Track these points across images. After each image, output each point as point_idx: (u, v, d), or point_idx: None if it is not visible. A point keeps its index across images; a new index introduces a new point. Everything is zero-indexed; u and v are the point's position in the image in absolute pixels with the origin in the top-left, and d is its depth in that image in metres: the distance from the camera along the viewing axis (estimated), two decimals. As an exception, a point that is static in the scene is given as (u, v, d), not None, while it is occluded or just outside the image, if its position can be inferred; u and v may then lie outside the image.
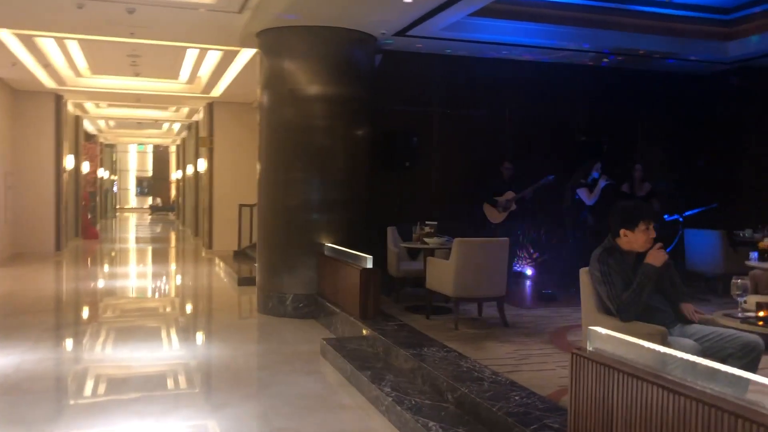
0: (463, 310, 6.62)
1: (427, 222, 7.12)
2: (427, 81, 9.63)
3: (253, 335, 7.52)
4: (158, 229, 25.91)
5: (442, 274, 6.28)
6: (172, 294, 10.78)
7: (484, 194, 9.20)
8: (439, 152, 9.66)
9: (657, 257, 3.55)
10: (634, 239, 3.67)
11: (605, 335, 3.19)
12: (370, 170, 8.41)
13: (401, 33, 8.32)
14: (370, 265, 6.50)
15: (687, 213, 8.17)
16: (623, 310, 3.47)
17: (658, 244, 3.63)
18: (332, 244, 7.92)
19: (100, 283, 11.35)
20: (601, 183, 8.25)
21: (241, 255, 13.74)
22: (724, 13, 9.05)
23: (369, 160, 8.39)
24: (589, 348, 3.26)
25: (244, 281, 10.70)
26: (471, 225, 9.00)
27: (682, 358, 2.92)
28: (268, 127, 8.38)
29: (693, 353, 3.11)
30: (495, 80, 9.86)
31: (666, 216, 8.38)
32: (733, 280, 3.52)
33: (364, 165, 8.29)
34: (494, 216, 9.13)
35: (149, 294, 10.65)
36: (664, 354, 2.98)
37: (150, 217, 34.38)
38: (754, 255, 5.63)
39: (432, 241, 6.86)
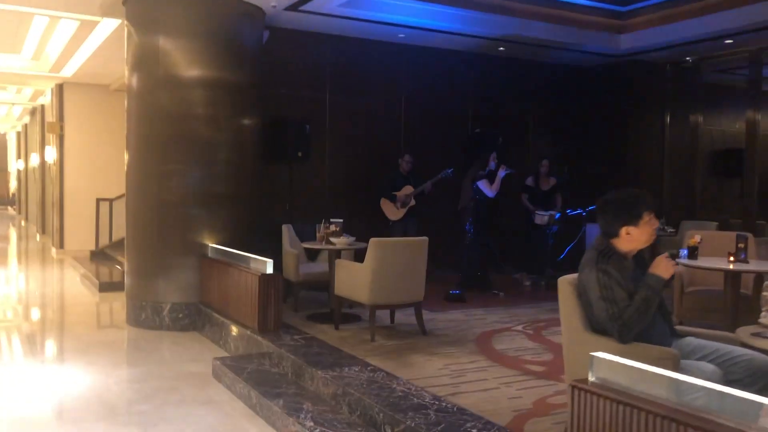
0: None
1: (332, 220, 6.33)
2: (319, 63, 8.81)
3: (125, 355, 6.37)
4: (-4, 226, 23.04)
5: (355, 279, 5.53)
6: (16, 302, 9.21)
7: (382, 189, 8.54)
8: (332, 142, 8.89)
9: (667, 268, 2.98)
10: (638, 236, 3.08)
11: (615, 363, 2.60)
12: (258, 162, 7.48)
13: (293, 7, 7.45)
14: (269, 269, 5.62)
15: (591, 207, 7.95)
16: (625, 331, 2.88)
17: (664, 254, 3.07)
18: (217, 244, 6.94)
19: (-75, 293, 9.51)
20: (501, 173, 7.83)
21: (100, 256, 12.21)
22: (622, 4, 8.96)
23: (258, 151, 7.45)
24: (592, 379, 2.66)
25: (107, 286, 9.37)
26: (371, 223, 8.33)
27: (708, 388, 2.40)
28: (138, 114, 7.22)
29: (715, 380, 2.60)
30: (390, 66, 9.23)
31: (569, 210, 8.14)
32: (764, 292, 3.04)
33: (252, 156, 7.35)
34: (392, 212, 8.50)
35: (-11, 305, 9.03)
36: (691, 385, 2.43)
37: (-15, 212, 30.72)
38: (683, 252, 5.36)
39: (339, 242, 6.08)
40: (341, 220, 6.34)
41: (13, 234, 20.18)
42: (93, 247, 12.71)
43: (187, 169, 7.01)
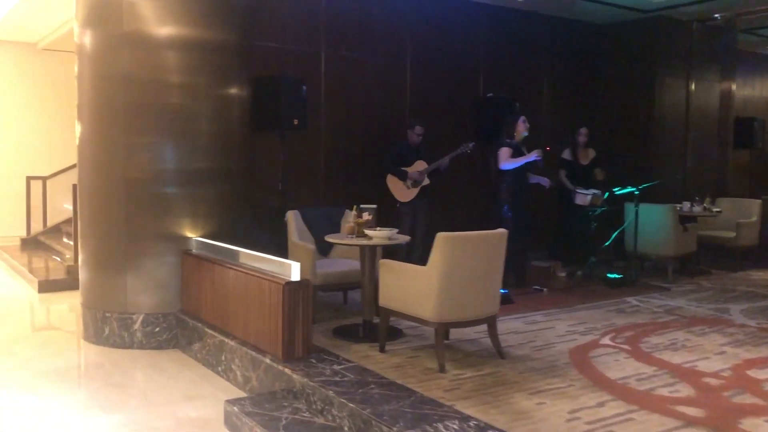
0: (414, 332, 4.55)
1: (362, 206, 4.85)
2: (314, 11, 7.24)
3: (90, 393, 4.71)
4: None
5: (413, 287, 4.11)
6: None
7: (388, 164, 7.10)
8: (329, 108, 7.36)
9: None
10: None
11: None
12: (248, 133, 5.93)
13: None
14: (296, 275, 4.13)
15: (646, 185, 6.74)
16: None
17: None
18: (203, 234, 5.41)
19: None
20: (532, 157, 6.46)
21: (32, 244, 10.32)
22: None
23: (246, 120, 5.89)
24: None
25: (48, 286, 7.62)
26: (376, 205, 6.90)
27: None
28: (94, 79, 5.55)
29: None
30: (394, 18, 7.75)
31: (616, 189, 6.90)
32: None
33: (240, 128, 5.78)
34: (401, 192, 7.07)
35: None
36: None
37: None
38: None
39: (376, 235, 4.63)
40: (374, 206, 4.88)
41: None
42: (24, 234, 10.78)
43: (160, 142, 5.41)
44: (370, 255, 4.74)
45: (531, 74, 8.88)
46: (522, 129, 6.55)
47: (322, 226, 5.61)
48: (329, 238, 4.85)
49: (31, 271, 8.31)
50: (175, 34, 5.36)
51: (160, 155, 5.45)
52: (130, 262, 5.39)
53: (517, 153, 6.48)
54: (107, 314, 5.45)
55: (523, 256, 6.69)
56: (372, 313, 4.78)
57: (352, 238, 4.71)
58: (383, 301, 4.36)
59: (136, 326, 5.37)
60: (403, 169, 7.05)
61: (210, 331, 4.89)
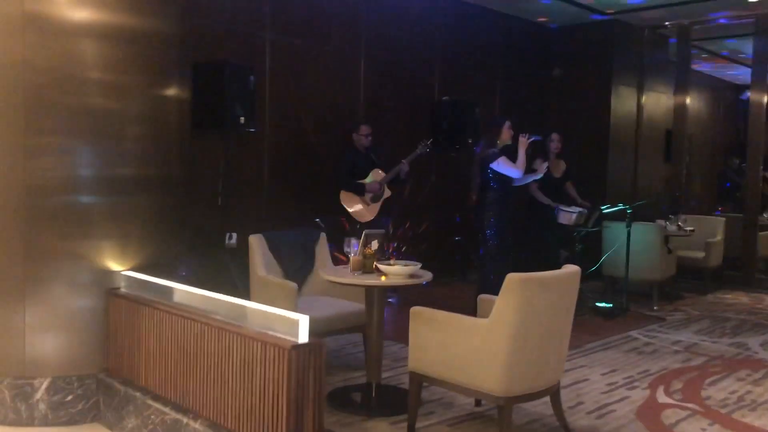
0: (432, 396, 3.48)
1: (367, 231, 3.67)
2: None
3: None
4: None
5: (468, 347, 3.02)
6: None
7: (340, 177, 5.97)
8: (275, 103, 6.08)
9: None
10: None
11: None
12: (187, 136, 4.59)
13: None
14: (304, 334, 2.91)
15: (639, 203, 6.04)
16: None
17: None
18: (136, 265, 4.04)
19: None
20: (524, 138, 5.58)
21: None
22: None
23: (187, 121, 4.56)
24: None
25: None
26: (333, 224, 5.74)
27: None
28: None
29: None
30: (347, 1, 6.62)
31: (604, 208, 6.15)
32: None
33: (179, 129, 4.44)
34: (361, 210, 5.97)
35: None
36: None
37: None
38: None
39: (395, 272, 3.50)
40: (381, 231, 3.74)
41: None
42: None
43: (74, 145, 3.98)
44: (380, 297, 3.60)
45: (485, 75, 8.04)
46: (507, 136, 5.64)
47: (292, 255, 4.38)
48: (329, 277, 3.63)
49: None
50: (95, 20, 3.95)
51: (74, 159, 4.01)
52: (29, 288, 3.89)
53: (508, 152, 5.58)
54: (-5, 377, 3.92)
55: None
56: (380, 373, 3.64)
57: (359, 275, 3.54)
58: (415, 364, 3.23)
59: (39, 395, 3.88)
60: (359, 182, 5.94)
61: (155, 404, 3.53)
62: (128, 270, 4.06)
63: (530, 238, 6.47)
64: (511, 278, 2.90)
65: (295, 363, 2.85)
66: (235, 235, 5.50)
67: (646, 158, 8.92)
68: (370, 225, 5.83)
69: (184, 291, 3.62)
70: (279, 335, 2.97)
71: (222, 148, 5.29)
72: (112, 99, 4.05)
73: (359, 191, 5.91)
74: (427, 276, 3.58)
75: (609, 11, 8.03)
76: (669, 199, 8.44)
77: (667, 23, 8.64)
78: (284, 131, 6.14)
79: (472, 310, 4.80)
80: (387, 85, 6.98)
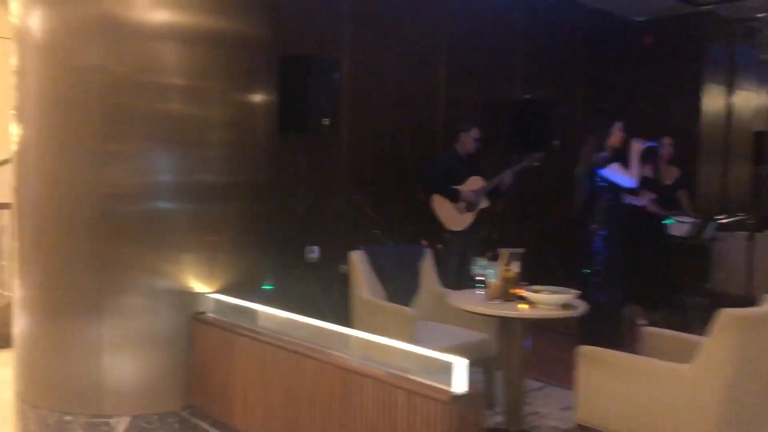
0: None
1: (501, 249, 3.12)
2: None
3: None
4: None
5: (665, 398, 2.43)
6: None
7: (434, 180, 5.43)
8: (353, 102, 5.55)
9: None
10: None
11: None
12: (275, 141, 4.09)
13: None
14: (461, 383, 2.35)
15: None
16: None
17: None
18: (224, 287, 3.54)
19: None
20: (645, 143, 5.01)
21: None
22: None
23: (275, 127, 4.06)
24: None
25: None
26: (413, 232, 5.19)
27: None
28: (50, 74, 3.60)
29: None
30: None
31: (721, 217, 5.51)
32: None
33: (267, 136, 3.96)
34: (453, 218, 5.41)
35: None
36: None
37: None
38: None
39: (545, 302, 2.92)
40: (521, 250, 3.17)
41: None
42: None
43: (153, 151, 3.54)
44: (522, 331, 3.02)
45: (567, 73, 7.44)
46: (617, 140, 5.04)
47: (395, 274, 3.83)
48: (466, 307, 3.06)
49: None
50: (176, 22, 3.49)
51: (152, 166, 3.56)
52: (106, 303, 3.41)
53: (619, 157, 4.99)
54: (67, 418, 3.42)
55: (620, 309, 5.15)
56: (522, 420, 3.06)
57: (499, 304, 2.96)
58: (587, 415, 2.65)
59: (117, 436, 3.38)
60: (454, 187, 5.39)
61: (257, 455, 3.00)
62: (215, 292, 3.55)
63: (640, 254, 5.85)
64: (727, 315, 2.31)
65: (454, 419, 2.29)
66: (317, 249, 4.98)
67: (734, 163, 8.24)
68: (463, 235, 5.32)
69: (287, 319, 3.08)
70: (426, 382, 2.41)
71: (304, 151, 4.77)
72: (193, 104, 3.59)
73: (453, 197, 5.36)
74: (582, 307, 3.00)
75: (702, 1, 7.40)
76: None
77: (761, 15, 7.96)
78: (363, 133, 5.61)
79: (586, 340, 4.20)
80: (467, 83, 6.42)
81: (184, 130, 3.58)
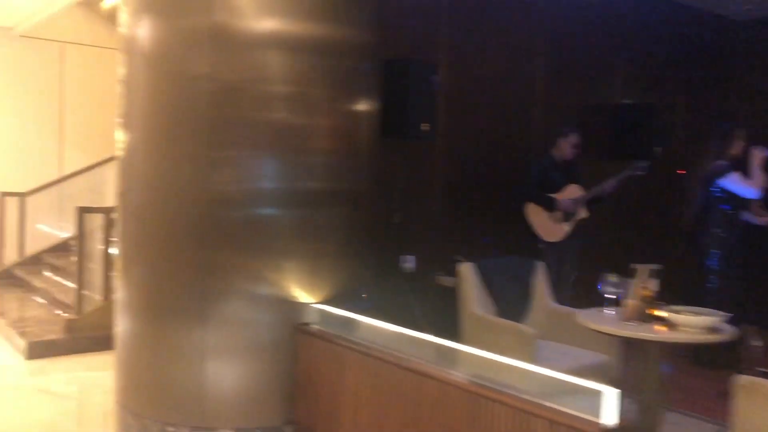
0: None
1: (636, 265, 2.87)
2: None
3: None
4: None
5: None
6: None
7: (528, 187, 5.20)
8: (449, 107, 5.37)
9: None
10: None
11: None
12: (378, 149, 3.95)
13: None
14: (611, 414, 2.12)
15: None
16: None
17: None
18: (326, 297, 3.40)
19: None
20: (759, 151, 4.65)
21: (7, 279, 8.02)
22: None
23: (378, 135, 3.91)
24: None
25: (42, 348, 5.44)
26: (507, 242, 4.95)
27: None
28: (159, 82, 3.59)
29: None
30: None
31: None
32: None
33: (369, 144, 3.82)
34: (548, 228, 5.15)
35: None
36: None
37: None
38: None
39: (690, 324, 2.66)
40: (658, 266, 2.91)
41: None
42: (-6, 265, 8.45)
43: (258, 157, 3.45)
44: (659, 355, 2.76)
45: (670, 76, 7.05)
46: (739, 149, 4.69)
47: (505, 288, 3.62)
48: (594, 325, 2.83)
49: (12, 323, 6.08)
50: (282, 31, 3.41)
51: (255, 173, 3.48)
52: (209, 307, 3.34)
53: (740, 166, 4.66)
54: (169, 429, 3.34)
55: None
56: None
57: (635, 326, 2.72)
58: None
59: (220, 451, 3.28)
60: (550, 195, 5.13)
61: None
62: (320, 302, 3.42)
63: (756, 269, 5.46)
64: None
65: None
66: (412, 258, 4.81)
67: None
68: (558, 247, 5.06)
69: (400, 334, 2.91)
70: (571, 411, 2.19)
71: (402, 158, 4.62)
72: (297, 112, 3.50)
73: (549, 206, 5.11)
74: (729, 331, 2.73)
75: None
76: None
77: None
78: (458, 138, 5.41)
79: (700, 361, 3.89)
80: (565, 87, 6.14)
81: (288, 138, 3.49)
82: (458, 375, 2.54)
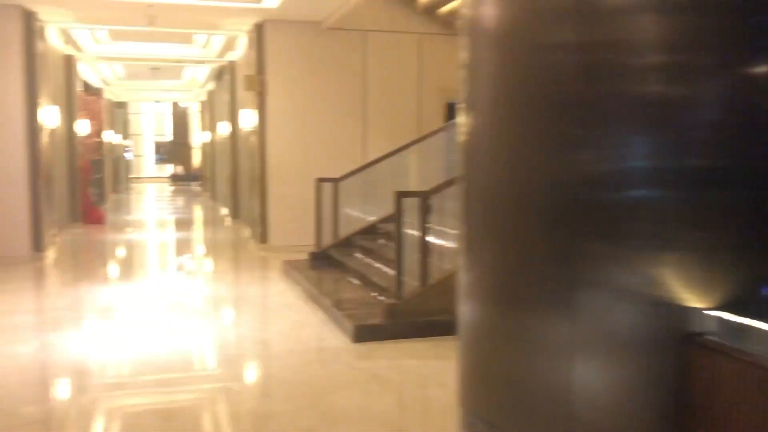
0: None
1: None
2: None
3: None
4: (183, 206, 20.74)
5: None
6: (236, 367, 5.47)
7: None
8: None
9: None
10: None
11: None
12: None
13: None
14: None
15: None
16: None
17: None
18: (721, 301, 2.66)
19: (99, 335, 6.15)
20: None
21: (323, 260, 8.47)
22: None
23: None
24: None
25: (368, 332, 5.47)
26: None
27: None
28: (507, 60, 3.12)
29: None
30: None
31: None
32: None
33: None
34: None
35: (189, 367, 5.36)
36: None
37: (170, 188, 29.12)
38: None
39: None
40: None
41: (202, 217, 17.46)
42: (310, 246, 9.02)
43: (619, 136, 2.82)
44: None
45: None
46: None
47: None
48: None
49: (336, 304, 6.28)
50: None
51: (627, 151, 2.85)
52: (573, 298, 2.81)
53: None
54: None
55: None
56: None
57: None
58: None
59: (592, 479, 2.76)
60: None
61: None
62: (717, 308, 2.72)
63: None
64: None
65: None
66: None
67: None
68: None
69: None
70: None
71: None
72: (676, 83, 2.78)
73: None
74: None
75: None
76: None
77: None
78: None
79: None
80: None
81: (666, 111, 2.83)
82: None
